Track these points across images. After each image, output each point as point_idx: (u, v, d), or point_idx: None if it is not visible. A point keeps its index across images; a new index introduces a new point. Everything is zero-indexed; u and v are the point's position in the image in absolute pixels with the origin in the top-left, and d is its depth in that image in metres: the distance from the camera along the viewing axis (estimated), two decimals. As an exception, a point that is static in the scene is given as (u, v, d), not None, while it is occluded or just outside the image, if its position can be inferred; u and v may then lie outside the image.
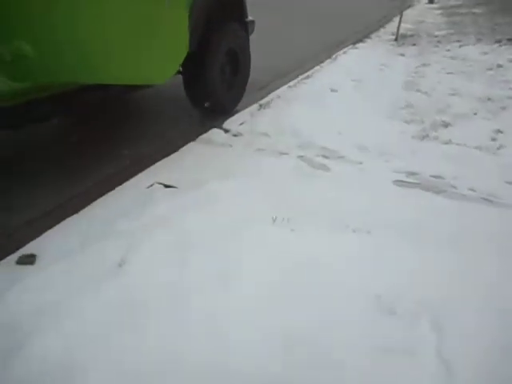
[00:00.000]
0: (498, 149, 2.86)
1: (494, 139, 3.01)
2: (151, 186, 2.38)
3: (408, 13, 11.52)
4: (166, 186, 2.39)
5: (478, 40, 7.12)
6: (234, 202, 2.12)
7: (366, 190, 2.33)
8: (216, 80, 3.37)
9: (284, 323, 1.40)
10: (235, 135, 3.15)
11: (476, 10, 11.55)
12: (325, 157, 2.77)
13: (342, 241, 1.85)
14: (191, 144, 2.93)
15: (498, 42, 6.82)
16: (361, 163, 2.67)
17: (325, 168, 2.61)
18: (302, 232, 1.89)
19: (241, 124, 3.34)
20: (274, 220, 1.97)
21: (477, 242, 1.89)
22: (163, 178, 2.43)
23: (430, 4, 14.10)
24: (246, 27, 3.90)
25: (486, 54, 6.06)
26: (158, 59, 2.31)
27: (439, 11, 12.03)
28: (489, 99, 3.99)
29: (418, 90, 4.34)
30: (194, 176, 2.43)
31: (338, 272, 1.65)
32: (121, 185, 2.33)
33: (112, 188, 2.28)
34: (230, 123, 3.37)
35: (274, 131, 3.18)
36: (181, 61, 2.35)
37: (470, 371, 1.26)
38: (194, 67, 3.24)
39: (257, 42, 6.02)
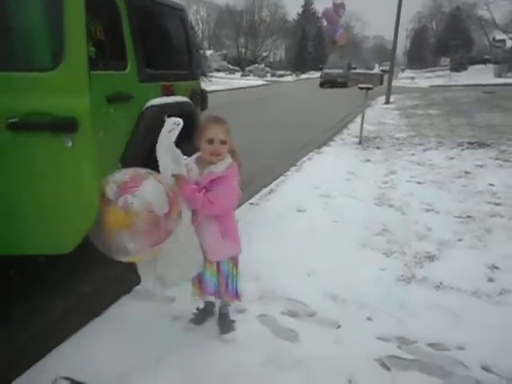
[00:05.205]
0: (500, 294, 2.37)
1: (491, 279, 2.53)
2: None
3: (367, 113, 12.01)
4: (74, 383, 1.70)
5: (440, 143, 7.17)
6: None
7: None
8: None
9: None
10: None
11: (431, 111, 12.19)
12: (292, 315, 2.19)
13: None
14: (114, 308, 2.24)
15: (460, 145, 6.87)
16: (338, 326, 2.09)
17: (292, 337, 2.01)
18: None
19: (190, 263, 2.76)
20: None
21: None
22: (71, 369, 1.75)
23: (387, 104, 14.91)
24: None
25: (451, 159, 5.98)
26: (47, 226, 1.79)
27: (397, 112, 12.61)
28: (469, 217, 3.64)
29: (391, 206, 3.98)
30: (115, 364, 1.76)
31: None
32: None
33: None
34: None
35: (231, 273, 2.60)
36: (87, 227, 1.63)
37: None
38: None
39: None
